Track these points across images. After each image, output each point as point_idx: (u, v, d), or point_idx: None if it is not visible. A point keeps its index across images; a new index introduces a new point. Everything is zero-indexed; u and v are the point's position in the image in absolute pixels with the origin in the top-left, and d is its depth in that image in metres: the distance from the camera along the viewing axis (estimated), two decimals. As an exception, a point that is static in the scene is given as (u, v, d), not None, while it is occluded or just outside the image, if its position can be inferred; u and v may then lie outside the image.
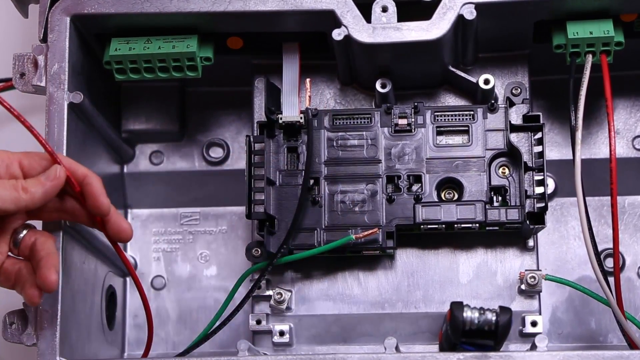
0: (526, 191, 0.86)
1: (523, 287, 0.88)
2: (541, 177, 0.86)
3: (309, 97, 0.90)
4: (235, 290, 0.88)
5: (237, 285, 0.89)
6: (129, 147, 0.99)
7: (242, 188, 0.88)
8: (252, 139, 0.89)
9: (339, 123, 0.90)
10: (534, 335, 0.86)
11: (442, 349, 0.87)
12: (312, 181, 0.88)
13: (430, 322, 0.91)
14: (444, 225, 0.87)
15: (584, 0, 0.84)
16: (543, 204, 0.86)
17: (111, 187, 0.90)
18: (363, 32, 0.85)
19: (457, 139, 0.89)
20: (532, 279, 0.87)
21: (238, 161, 1.00)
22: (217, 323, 0.87)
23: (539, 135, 0.87)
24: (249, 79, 0.94)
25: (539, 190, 0.86)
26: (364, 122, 0.89)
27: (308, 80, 0.90)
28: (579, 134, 0.82)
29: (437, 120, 0.89)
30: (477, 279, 0.91)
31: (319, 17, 0.86)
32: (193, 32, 0.87)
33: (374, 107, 0.92)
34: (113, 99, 0.96)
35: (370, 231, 0.86)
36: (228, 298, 0.88)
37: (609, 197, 0.83)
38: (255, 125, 0.90)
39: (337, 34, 0.85)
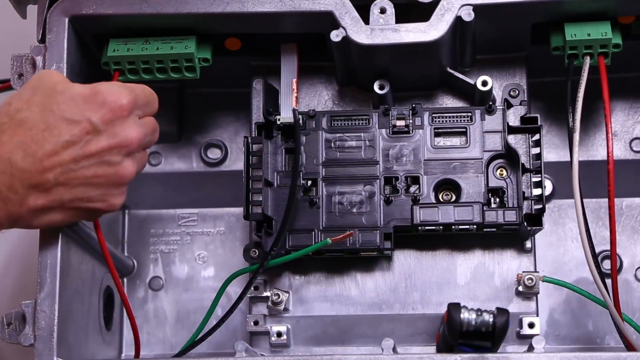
0: (524, 193, 0.86)
1: (520, 288, 0.88)
2: (539, 179, 0.86)
3: (296, 97, 0.89)
4: (221, 294, 0.88)
5: (222, 289, 0.88)
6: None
7: (239, 189, 0.88)
8: (250, 140, 0.89)
9: (337, 124, 0.90)
10: (531, 336, 0.86)
11: (440, 350, 0.87)
12: (309, 182, 0.89)
13: (427, 324, 0.91)
14: (441, 227, 0.87)
15: (581, 2, 0.84)
16: (541, 206, 0.86)
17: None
18: (361, 34, 0.85)
19: (455, 141, 0.89)
20: (530, 281, 0.87)
21: (236, 162, 1.00)
22: (213, 324, 0.87)
23: (536, 137, 0.87)
24: (247, 80, 0.94)
25: (537, 192, 0.86)
26: (362, 123, 0.89)
27: (294, 80, 0.90)
28: (576, 136, 0.82)
29: (435, 121, 0.89)
30: (474, 280, 0.91)
31: (317, 19, 0.86)
32: (191, 33, 0.87)
33: (372, 108, 0.92)
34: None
35: (345, 234, 0.86)
36: (214, 302, 0.88)
37: (606, 199, 0.83)
38: (253, 126, 0.90)
39: (335, 35, 0.85)
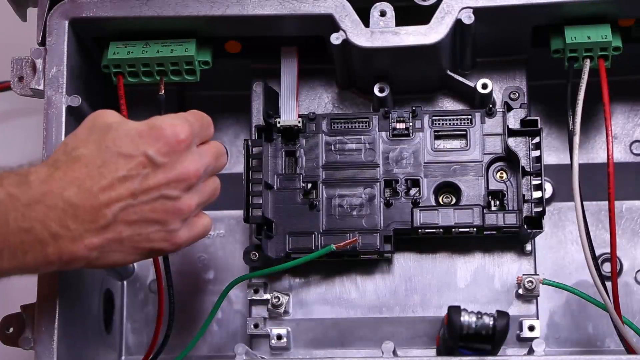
0: (524, 196, 0.86)
1: (520, 291, 0.88)
2: (539, 182, 0.86)
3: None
4: (222, 299, 0.88)
5: (223, 294, 0.88)
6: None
7: (240, 192, 0.88)
8: (250, 143, 0.89)
9: (337, 127, 0.90)
10: (531, 339, 0.86)
11: (440, 353, 0.87)
12: (309, 185, 0.89)
13: (427, 327, 0.91)
14: (441, 230, 0.87)
15: (581, 5, 0.84)
16: (541, 209, 0.86)
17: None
18: (361, 37, 0.85)
19: (455, 144, 0.89)
20: (530, 284, 0.87)
21: (236, 165, 1.00)
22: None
23: (536, 139, 0.87)
24: (247, 83, 0.94)
25: (537, 194, 0.86)
26: (362, 126, 0.90)
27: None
28: (576, 139, 0.82)
29: (435, 124, 0.89)
30: (474, 283, 0.91)
31: (317, 22, 0.86)
32: (191, 36, 0.87)
33: (372, 111, 0.92)
34: (111, 102, 0.96)
35: (350, 240, 0.86)
36: (215, 306, 0.88)
37: (606, 202, 0.83)
38: (254, 129, 0.91)
39: (335, 38, 0.85)
